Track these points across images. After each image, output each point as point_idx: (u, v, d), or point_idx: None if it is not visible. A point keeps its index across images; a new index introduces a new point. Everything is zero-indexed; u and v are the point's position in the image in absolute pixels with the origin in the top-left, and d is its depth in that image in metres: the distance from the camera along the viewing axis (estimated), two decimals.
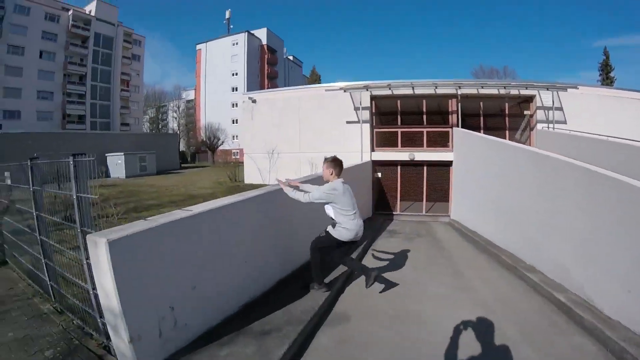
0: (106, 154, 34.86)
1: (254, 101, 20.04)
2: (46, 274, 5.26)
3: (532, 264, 7.62)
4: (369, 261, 8.58)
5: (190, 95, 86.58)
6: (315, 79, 72.93)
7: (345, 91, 17.11)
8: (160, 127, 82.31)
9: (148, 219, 3.59)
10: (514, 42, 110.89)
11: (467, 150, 14.16)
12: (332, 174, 5.55)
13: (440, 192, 16.73)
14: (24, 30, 50.35)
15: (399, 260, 8.72)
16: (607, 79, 51.01)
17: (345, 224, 5.37)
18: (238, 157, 60.76)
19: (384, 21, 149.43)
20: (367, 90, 16.86)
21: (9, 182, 6.70)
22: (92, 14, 59.44)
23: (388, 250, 9.67)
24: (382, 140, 17.44)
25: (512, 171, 9.31)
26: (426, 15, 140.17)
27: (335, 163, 5.60)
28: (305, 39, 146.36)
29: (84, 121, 57.05)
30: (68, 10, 56.47)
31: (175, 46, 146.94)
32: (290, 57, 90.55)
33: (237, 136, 65.75)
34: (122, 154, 33.32)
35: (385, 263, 8.44)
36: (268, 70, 75.68)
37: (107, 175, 33.04)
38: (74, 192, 3.87)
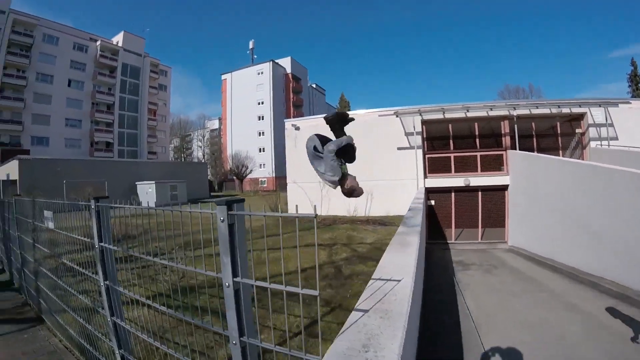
0: (136, 183, 34.57)
1: (297, 128, 19.49)
2: None
3: None
4: (469, 300, 7.88)
5: (215, 124, 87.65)
6: (344, 105, 72.36)
7: (397, 116, 16.50)
8: (185, 155, 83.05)
9: None
10: (532, 59, 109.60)
11: (530, 174, 13.47)
12: None
13: (494, 217, 15.95)
14: (53, 59, 51.41)
15: (506, 298, 8.03)
16: (637, 90, 49.09)
17: None
18: (265, 185, 60.69)
19: (405, 47, 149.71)
20: (420, 114, 16.26)
21: (50, 224, 4.49)
22: (120, 44, 60.69)
23: (479, 287, 8.97)
24: (435, 166, 16.72)
25: (610, 196, 8.56)
26: (447, 40, 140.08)
27: None
28: (328, 66, 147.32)
29: (112, 149, 57.50)
30: (96, 40, 57.61)
31: (200, 76, 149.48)
32: (314, 85, 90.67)
33: (264, 164, 66.29)
34: (153, 182, 32.85)
35: (495, 303, 7.74)
36: (293, 98, 75.65)
37: (138, 203, 32.69)
38: (97, 242, 3.23)
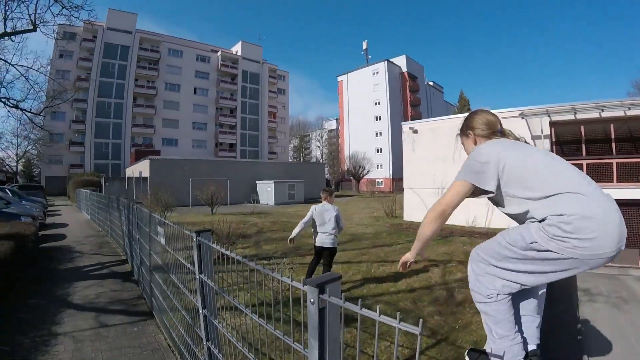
0: (256, 181, 36.06)
1: (415, 131, 18.91)
2: None
3: None
4: (591, 347, 7.00)
5: (333, 124, 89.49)
6: (464, 104, 69.66)
7: (522, 117, 15.29)
8: (304, 155, 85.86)
9: None
10: None
11: None
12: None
13: (628, 236, 14.01)
14: (179, 70, 58.15)
15: (628, 348, 7.01)
16: None
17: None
18: (382, 186, 60.46)
19: (528, 41, 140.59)
20: (548, 115, 14.92)
21: (162, 240, 4.55)
22: (239, 53, 65.97)
23: (606, 329, 7.92)
24: None
25: None
26: (572, 32, 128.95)
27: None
28: (445, 62, 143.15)
29: (235, 149, 61.96)
30: (217, 51, 63.41)
31: (317, 78, 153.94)
32: (431, 83, 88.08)
33: (381, 165, 66.30)
34: (272, 181, 33.90)
35: (619, 352, 6.80)
36: (410, 97, 74.30)
37: (257, 201, 34.19)
38: (197, 272, 3.12)
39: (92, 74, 50.77)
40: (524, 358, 2.08)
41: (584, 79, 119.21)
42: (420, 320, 1.18)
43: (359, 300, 1.43)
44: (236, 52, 66.31)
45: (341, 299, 1.55)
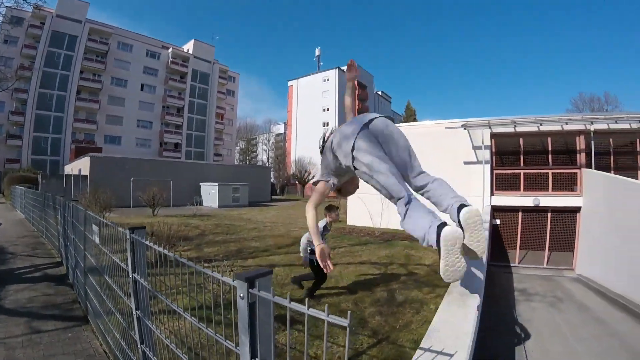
0: (200, 183, 35.33)
1: None
2: None
3: None
4: (528, 342, 7.32)
5: (280, 129, 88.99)
6: (410, 114, 71.30)
7: (465, 128, 15.78)
8: (250, 158, 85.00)
9: None
10: (610, 66, 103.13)
11: (608, 197, 12.55)
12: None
13: (562, 241, 14.97)
14: (127, 65, 55.65)
15: (571, 345, 7.37)
16: None
17: None
18: None
19: (474, 54, 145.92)
20: (489, 127, 15.47)
21: (97, 239, 4.43)
22: (190, 52, 64.08)
23: (542, 325, 8.30)
24: (503, 183, 15.88)
25: None
26: (517, 47, 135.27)
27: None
28: (394, 73, 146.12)
29: (180, 149, 60.18)
30: (168, 48, 61.22)
31: (267, 82, 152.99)
32: (380, 92, 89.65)
33: None
34: (217, 184, 33.21)
35: (556, 348, 7.12)
36: (359, 105, 74.48)
37: (201, 204, 33.52)
38: (130, 272, 3.03)
39: (36, 63, 48.08)
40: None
41: (526, 95, 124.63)
42: (349, 312, 1.24)
43: (288, 294, 1.37)
44: (188, 50, 64.45)
45: (271, 293, 1.49)
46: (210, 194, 33.69)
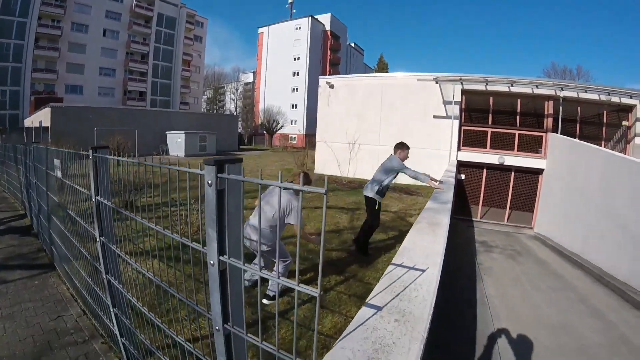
0: (166, 132, 34.65)
1: (331, 86, 18.87)
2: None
3: None
4: (489, 286, 7.57)
5: (249, 77, 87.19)
6: (382, 67, 70.71)
7: (437, 82, 15.75)
8: (217, 107, 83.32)
9: None
10: (585, 41, 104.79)
11: (570, 161, 12.84)
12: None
13: (523, 200, 15.49)
14: (88, 9, 51.55)
15: (528, 292, 7.68)
16: None
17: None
18: (295, 142, 60.31)
19: (452, 13, 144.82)
20: (461, 83, 15.49)
21: (59, 173, 4.31)
22: None
23: (501, 274, 8.60)
24: (470, 140, 16.11)
25: None
26: (498, 10, 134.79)
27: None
28: (369, 26, 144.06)
29: (145, 98, 57.74)
30: None
31: (236, 29, 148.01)
32: (352, 45, 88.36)
33: (295, 121, 65.78)
34: (183, 132, 32.77)
35: (517, 295, 7.39)
36: (330, 56, 74.12)
37: (167, 153, 32.88)
38: (93, 195, 2.91)
39: None
40: None
41: (499, 60, 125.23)
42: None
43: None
44: None
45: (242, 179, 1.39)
46: (176, 142, 33.11)
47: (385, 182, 6.52)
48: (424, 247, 2.67)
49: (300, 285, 1.20)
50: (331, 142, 18.10)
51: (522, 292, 7.58)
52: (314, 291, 1.16)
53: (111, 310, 3.08)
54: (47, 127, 28.44)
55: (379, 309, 1.61)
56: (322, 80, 19.52)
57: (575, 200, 11.85)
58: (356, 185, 14.59)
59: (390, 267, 2.18)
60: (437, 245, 2.72)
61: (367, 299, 1.72)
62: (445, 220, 3.76)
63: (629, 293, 7.51)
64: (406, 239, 2.89)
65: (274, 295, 4.34)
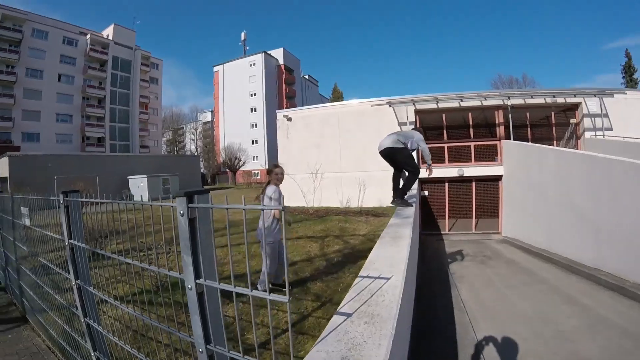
0: (128, 177, 34.09)
1: (289, 119, 19.14)
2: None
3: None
4: (463, 293, 7.80)
5: (207, 117, 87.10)
6: (337, 96, 72.04)
7: (390, 105, 16.25)
8: (178, 149, 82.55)
9: None
10: (526, 50, 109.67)
11: (525, 163, 13.42)
12: None
13: (488, 208, 15.95)
14: (43, 54, 50.54)
15: (501, 291, 7.94)
16: (631, 82, 49.15)
17: None
18: (259, 177, 60.11)
19: (399, 35, 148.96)
20: (413, 104, 16.04)
21: (27, 221, 4.39)
22: (110, 37, 59.71)
23: (474, 278, 8.86)
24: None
25: (609, 185, 8.40)
26: (438, 27, 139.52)
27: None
28: (321, 57, 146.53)
29: (104, 143, 56.60)
30: (86, 34, 56.58)
31: (192, 69, 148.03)
32: (307, 77, 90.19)
33: (257, 156, 65.93)
34: (145, 176, 32.41)
35: (490, 295, 7.63)
36: (286, 89, 75.26)
37: (131, 198, 32.30)
38: (66, 239, 2.99)
39: None
40: None
41: (447, 77, 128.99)
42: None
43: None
44: (107, 35, 59.85)
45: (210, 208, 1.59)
46: (139, 187, 32.57)
47: (409, 145, 6.69)
48: (388, 258, 2.86)
49: (271, 294, 1.39)
50: (294, 174, 18.04)
51: (495, 292, 7.84)
52: (284, 298, 1.35)
53: (92, 354, 3.08)
54: (6, 178, 27.72)
55: (349, 315, 1.77)
56: (280, 114, 19.78)
57: (535, 200, 12.35)
58: (323, 213, 14.75)
59: (357, 280, 2.36)
60: (400, 255, 2.92)
61: (338, 308, 1.89)
62: (407, 232, 3.96)
63: (599, 277, 7.85)
64: (371, 253, 3.08)
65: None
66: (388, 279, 2.29)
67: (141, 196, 2.25)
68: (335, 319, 1.75)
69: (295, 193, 16.98)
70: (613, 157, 8.43)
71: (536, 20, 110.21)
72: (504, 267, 10.22)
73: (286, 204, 18.19)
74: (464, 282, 8.64)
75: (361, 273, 2.48)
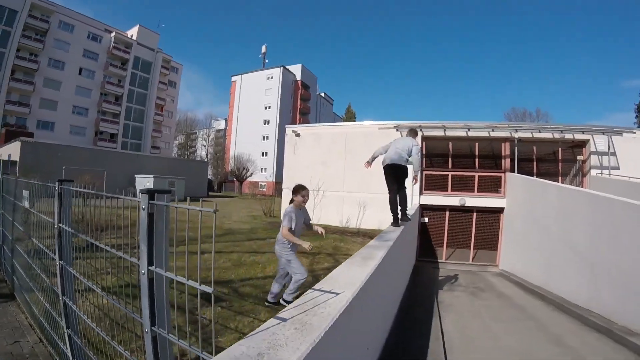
0: (135, 175, 34.47)
1: (297, 135, 19.29)
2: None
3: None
4: (447, 322, 7.75)
5: (221, 124, 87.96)
6: (350, 116, 73.04)
7: (397, 130, 16.33)
8: (188, 153, 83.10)
9: None
10: (542, 83, 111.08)
11: (528, 198, 13.37)
12: None
13: (487, 240, 15.84)
14: (67, 46, 51.46)
15: (487, 323, 7.90)
16: None
17: None
18: (265, 189, 60.40)
19: (416, 60, 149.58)
20: (420, 130, 16.10)
21: (26, 204, 4.67)
22: (134, 38, 60.83)
23: (462, 309, 8.82)
24: (432, 184, 16.52)
25: (610, 226, 8.36)
26: (458, 58, 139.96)
27: None
28: (337, 76, 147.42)
29: (116, 140, 57.22)
30: (111, 32, 57.70)
31: (210, 76, 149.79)
32: (322, 94, 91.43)
33: (265, 168, 66.34)
34: (152, 176, 32.77)
35: (476, 327, 7.59)
36: (301, 105, 75.94)
37: (135, 196, 32.42)
38: (56, 222, 3.26)
39: None
40: None
41: (460, 106, 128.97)
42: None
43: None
44: (132, 36, 61.35)
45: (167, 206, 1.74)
46: (145, 186, 32.70)
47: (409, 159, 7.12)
48: (349, 276, 2.93)
49: (202, 285, 1.58)
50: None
51: (480, 325, 7.79)
52: (209, 289, 1.54)
53: (65, 331, 3.29)
54: (16, 162, 27.88)
55: (284, 320, 1.89)
56: (289, 129, 19.91)
57: (535, 235, 12.27)
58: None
59: (309, 291, 2.45)
60: (361, 275, 2.99)
61: (278, 313, 1.99)
62: (380, 254, 4.02)
63: (589, 317, 7.78)
64: (335, 270, 3.16)
65: (289, 301, 5.39)
66: (337, 294, 2.38)
67: (117, 190, 2.39)
68: (270, 322, 1.87)
69: None
70: (614, 196, 8.40)
71: (554, 52, 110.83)
72: (495, 300, 10.15)
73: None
74: (451, 311, 8.61)
75: (315, 286, 2.57)
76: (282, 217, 5.84)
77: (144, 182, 33.03)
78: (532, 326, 7.82)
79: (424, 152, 16.68)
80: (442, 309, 8.72)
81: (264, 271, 8.01)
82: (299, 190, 5.86)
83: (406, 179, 7.24)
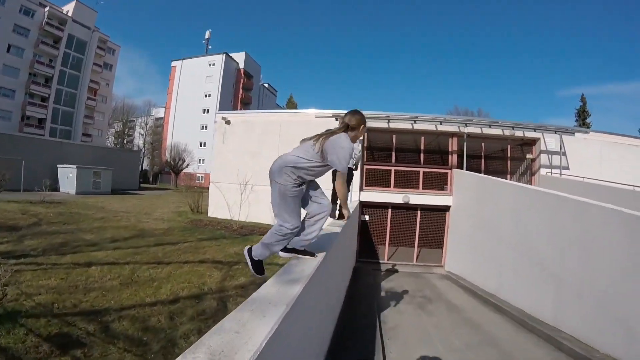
0: (58, 165, 31.37)
1: (227, 122, 17.39)
2: None
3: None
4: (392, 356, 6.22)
5: (160, 113, 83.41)
6: (292, 107, 71.75)
7: (336, 119, 14.83)
8: (125, 142, 78.59)
9: None
10: (485, 85, 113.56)
11: (476, 196, 12.62)
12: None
13: (432, 238, 15.20)
14: None
15: (439, 352, 6.45)
16: (583, 125, 51.00)
17: None
18: (202, 182, 57.42)
19: (361, 53, 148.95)
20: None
21: None
22: (69, 14, 55.68)
23: (408, 331, 7.37)
24: (373, 179, 15.38)
25: (582, 232, 7.17)
26: (405, 51, 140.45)
27: None
28: (281, 67, 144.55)
29: (44, 126, 52.48)
30: (45, 6, 52.34)
31: (150, 60, 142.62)
32: (266, 85, 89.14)
33: (203, 160, 63.04)
34: (75, 167, 29.89)
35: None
36: (242, 95, 73.60)
37: (58, 189, 29.56)
38: None
39: None
40: None
41: (403, 106, 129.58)
42: None
43: None
44: (67, 12, 55.62)
45: None
46: (68, 178, 30.18)
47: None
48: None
49: None
50: (220, 182, 16.62)
51: (432, 355, 6.35)
52: None
53: None
54: None
55: None
56: (219, 116, 18.02)
57: (485, 236, 11.48)
58: (247, 231, 13.22)
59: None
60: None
61: None
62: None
63: (560, 340, 6.66)
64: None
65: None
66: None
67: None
68: None
69: (221, 205, 15.36)
70: (590, 200, 7.24)
71: (496, 56, 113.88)
72: (445, 314, 8.93)
73: (213, 215, 16.63)
74: (396, 337, 7.07)
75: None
76: (329, 150, 3.12)
77: (67, 172, 30.30)
78: (493, 355, 6.52)
79: (365, 145, 15.51)
80: (386, 334, 7.13)
81: (156, 294, 6.25)
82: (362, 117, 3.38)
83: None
